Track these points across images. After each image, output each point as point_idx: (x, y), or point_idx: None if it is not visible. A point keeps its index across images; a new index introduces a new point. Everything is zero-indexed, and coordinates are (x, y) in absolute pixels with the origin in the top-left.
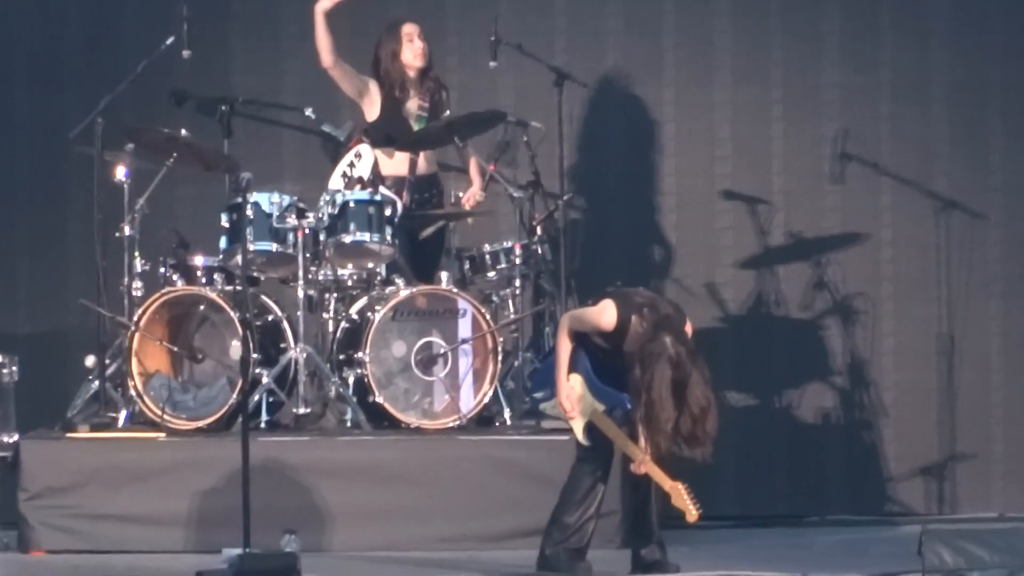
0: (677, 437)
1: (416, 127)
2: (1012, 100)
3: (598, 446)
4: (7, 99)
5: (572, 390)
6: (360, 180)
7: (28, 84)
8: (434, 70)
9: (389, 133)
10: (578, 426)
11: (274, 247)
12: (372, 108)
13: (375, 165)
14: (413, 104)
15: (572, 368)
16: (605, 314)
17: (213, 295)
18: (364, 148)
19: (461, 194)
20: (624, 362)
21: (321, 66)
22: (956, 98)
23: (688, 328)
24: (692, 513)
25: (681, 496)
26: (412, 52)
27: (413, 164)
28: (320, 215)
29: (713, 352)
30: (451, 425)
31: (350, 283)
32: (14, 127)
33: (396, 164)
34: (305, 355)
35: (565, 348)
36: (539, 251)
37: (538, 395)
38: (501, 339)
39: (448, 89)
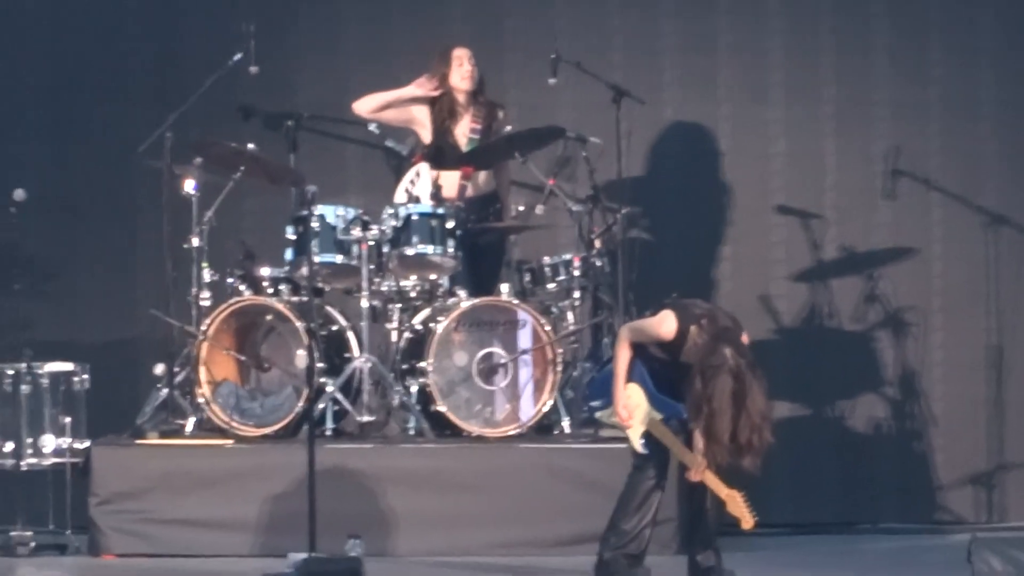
0: (733, 446)
1: (467, 148)
2: None
3: (655, 454)
4: (79, 114)
5: (630, 399)
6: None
7: (99, 100)
8: (485, 94)
9: (440, 154)
10: (635, 435)
11: (339, 259)
12: (425, 132)
13: (436, 184)
14: (464, 126)
15: (629, 378)
16: (664, 324)
17: (279, 305)
18: (423, 167)
19: (522, 207)
20: (681, 372)
21: (356, 111)
22: (1005, 115)
23: (745, 339)
24: (748, 520)
25: (737, 503)
26: (460, 75)
27: (463, 188)
28: (384, 228)
29: (767, 363)
30: (511, 434)
31: (413, 294)
32: (86, 142)
33: (448, 187)
34: (369, 364)
35: (624, 358)
36: (598, 263)
37: (595, 404)
38: (560, 350)
39: (505, 109)
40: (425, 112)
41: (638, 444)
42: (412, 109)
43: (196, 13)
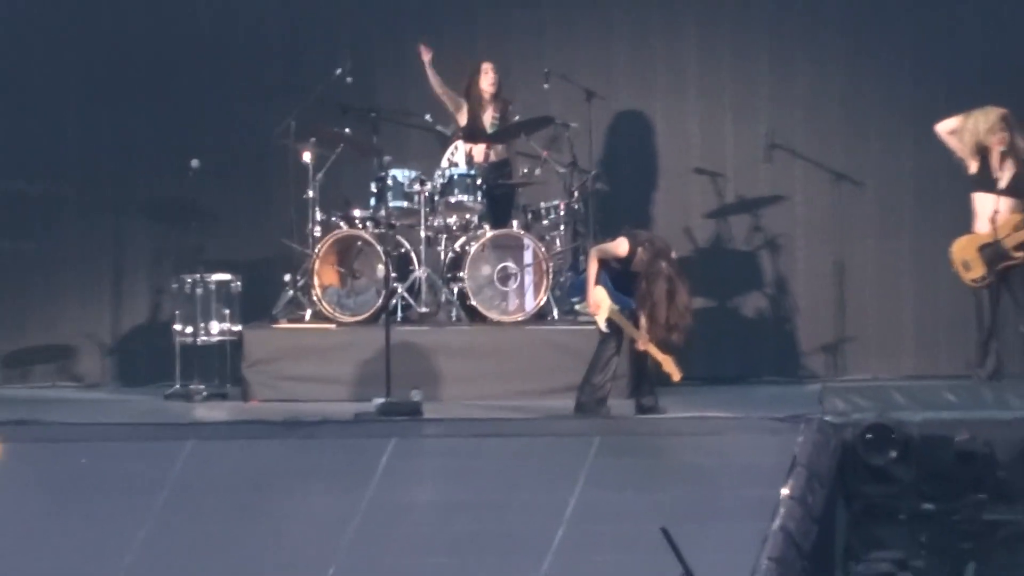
0: (666, 327)
1: (490, 130)
2: (885, 106)
3: (614, 332)
4: (230, 110)
5: (597, 296)
6: (457, 164)
7: (245, 99)
8: (503, 93)
9: (472, 134)
10: (601, 319)
11: (405, 204)
12: (462, 117)
13: (469, 154)
14: (488, 116)
15: (597, 282)
16: (620, 246)
17: (367, 235)
18: (460, 143)
19: (526, 170)
20: (631, 278)
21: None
22: (848, 104)
23: (674, 255)
24: (676, 375)
25: (669, 364)
26: (487, 81)
27: (487, 156)
28: (435, 183)
29: (688, 271)
30: (519, 319)
31: (455, 228)
32: (236, 129)
33: (477, 155)
34: (426, 274)
35: (593, 269)
36: (575, 207)
37: (575, 300)
38: (551, 264)
39: (513, 103)
40: (464, 105)
41: (603, 326)
42: (461, 102)
43: (314, 42)
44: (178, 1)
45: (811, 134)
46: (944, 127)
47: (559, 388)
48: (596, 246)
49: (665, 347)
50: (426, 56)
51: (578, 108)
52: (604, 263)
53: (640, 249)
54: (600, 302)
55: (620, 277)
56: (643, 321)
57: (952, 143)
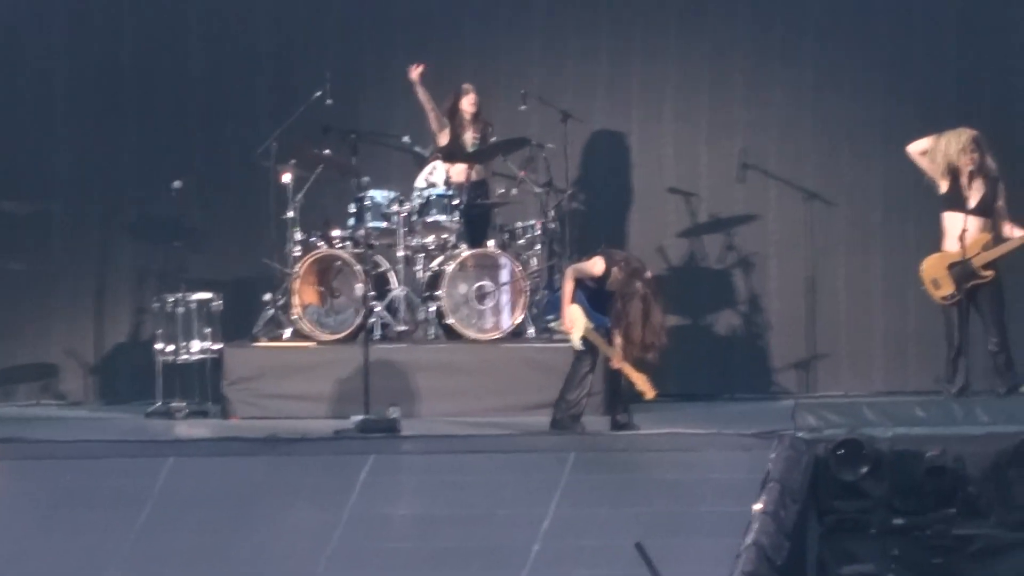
0: (641, 346)
1: (471, 150)
2: (857, 127)
3: (589, 350)
4: (217, 132)
5: (573, 315)
6: (435, 184)
7: (230, 120)
8: (483, 114)
9: (452, 154)
10: (576, 337)
11: (384, 224)
12: (443, 138)
13: (447, 175)
14: (469, 136)
15: (573, 300)
16: (595, 265)
17: (346, 255)
18: (438, 163)
19: (502, 190)
20: (606, 297)
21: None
22: (819, 127)
23: (649, 275)
24: (650, 393)
25: (643, 382)
26: (468, 103)
27: (468, 176)
28: (413, 203)
29: (662, 290)
30: (496, 337)
31: (432, 247)
32: (221, 150)
33: (457, 175)
34: (404, 293)
35: (568, 287)
36: (551, 226)
37: (550, 317)
38: (527, 282)
39: (493, 125)
40: (447, 126)
41: (578, 344)
42: (443, 120)
43: (300, 64)
44: (166, 22)
45: (784, 154)
46: (915, 148)
47: (535, 405)
48: (572, 265)
49: (639, 365)
50: (415, 72)
51: (555, 129)
52: (580, 282)
53: (615, 268)
54: (575, 320)
55: (595, 296)
56: (618, 339)
57: (923, 164)
